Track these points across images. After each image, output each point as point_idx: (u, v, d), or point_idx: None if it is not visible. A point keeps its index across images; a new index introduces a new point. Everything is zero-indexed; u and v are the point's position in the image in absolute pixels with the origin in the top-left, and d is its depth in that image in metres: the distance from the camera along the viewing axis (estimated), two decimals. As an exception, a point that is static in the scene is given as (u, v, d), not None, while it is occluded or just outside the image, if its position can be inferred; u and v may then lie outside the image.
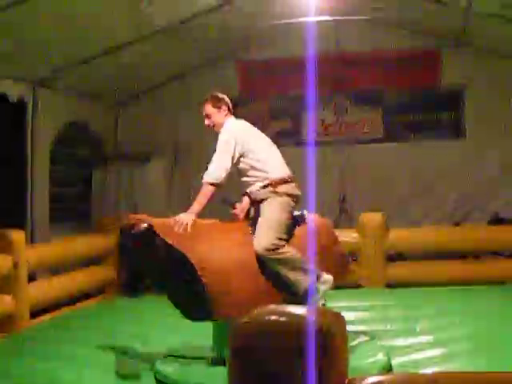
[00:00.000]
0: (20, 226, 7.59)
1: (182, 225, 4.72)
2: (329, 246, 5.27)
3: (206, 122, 5.23)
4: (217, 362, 4.87)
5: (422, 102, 9.71)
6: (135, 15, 7.42)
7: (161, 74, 9.93)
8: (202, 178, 4.98)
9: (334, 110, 9.91)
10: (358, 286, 7.92)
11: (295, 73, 9.10)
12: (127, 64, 8.65)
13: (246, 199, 5.18)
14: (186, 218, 4.79)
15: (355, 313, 6.44)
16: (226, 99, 5.27)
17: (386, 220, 8.12)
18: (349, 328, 2.82)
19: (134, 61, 8.65)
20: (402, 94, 9.78)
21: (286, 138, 9.44)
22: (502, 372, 2.56)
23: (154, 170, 9.89)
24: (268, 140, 5.30)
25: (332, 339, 2.36)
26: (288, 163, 5.21)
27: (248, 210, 5.18)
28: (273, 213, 4.89)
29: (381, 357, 4.88)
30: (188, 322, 4.97)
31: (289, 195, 5.02)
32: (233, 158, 4.98)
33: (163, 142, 10.04)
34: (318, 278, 4.90)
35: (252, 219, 5.05)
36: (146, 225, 4.56)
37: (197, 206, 4.88)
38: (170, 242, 4.60)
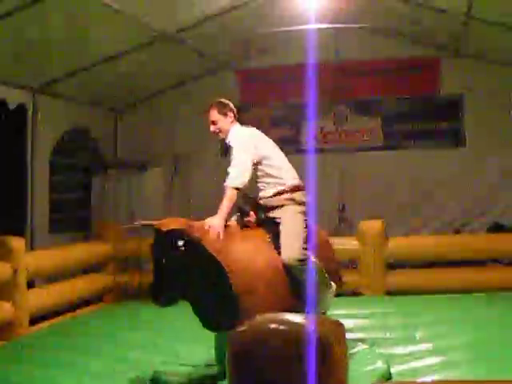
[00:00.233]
0: (20, 232, 7.60)
1: (215, 231, 4.69)
2: (329, 257, 5.30)
3: (212, 128, 5.20)
4: (218, 370, 4.87)
5: (422, 111, 9.71)
6: (134, 24, 7.44)
7: (160, 82, 9.93)
8: (224, 182, 4.93)
9: (333, 118, 9.91)
10: (358, 294, 7.92)
11: (295, 81, 9.12)
12: (126, 72, 8.67)
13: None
14: (217, 223, 4.72)
15: (355, 320, 6.43)
16: (232, 105, 5.26)
17: (385, 228, 8.12)
18: (348, 336, 2.83)
19: (134, 69, 8.67)
20: (402, 103, 9.78)
21: (286, 145, 9.42)
22: (502, 380, 2.56)
23: (152, 177, 9.89)
24: (277, 147, 5.30)
25: (331, 347, 2.37)
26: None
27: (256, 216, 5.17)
28: (296, 223, 4.91)
29: (380, 365, 4.87)
30: (189, 329, 4.96)
31: (303, 203, 5.04)
32: (252, 161, 4.97)
33: (163, 150, 10.03)
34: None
35: (263, 225, 5.05)
36: (179, 226, 4.53)
37: (224, 210, 4.83)
38: (204, 244, 4.56)
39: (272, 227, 4.98)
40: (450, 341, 5.76)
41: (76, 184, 9.81)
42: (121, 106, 10.27)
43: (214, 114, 5.18)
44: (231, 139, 5.12)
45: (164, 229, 4.50)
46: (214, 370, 4.94)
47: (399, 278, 8.19)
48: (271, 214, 5.04)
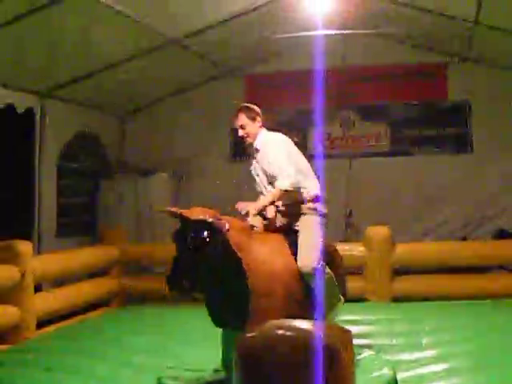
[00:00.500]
0: (27, 236, 7.62)
1: (244, 207, 4.79)
2: (338, 268, 5.33)
3: (240, 132, 5.21)
4: (225, 375, 4.86)
5: (429, 116, 9.70)
6: (140, 30, 7.46)
7: (166, 87, 9.95)
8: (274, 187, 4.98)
9: (340, 123, 9.92)
10: (364, 300, 7.90)
11: (302, 86, 9.13)
12: (134, 78, 8.69)
13: (271, 211, 5.14)
14: (250, 206, 4.83)
15: (361, 327, 6.40)
16: (259, 110, 5.27)
17: (392, 234, 8.11)
18: (354, 342, 2.82)
19: (140, 74, 8.69)
20: (409, 109, 9.77)
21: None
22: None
23: (158, 183, 9.89)
24: (302, 153, 5.31)
25: (339, 354, 2.37)
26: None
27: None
28: (314, 233, 4.92)
29: (386, 371, 4.85)
30: (195, 333, 4.95)
31: (323, 215, 5.06)
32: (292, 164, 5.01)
33: (169, 155, 10.04)
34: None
35: (282, 230, 5.05)
36: (207, 217, 4.49)
37: (263, 202, 4.93)
38: (228, 239, 4.54)
39: (290, 234, 4.98)
40: (456, 347, 5.75)
41: (83, 188, 9.83)
42: (127, 111, 10.29)
43: (243, 119, 5.19)
44: (262, 144, 5.16)
45: (192, 218, 4.49)
46: (221, 375, 4.93)
47: (405, 285, 8.17)
48: (291, 221, 5.05)
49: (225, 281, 4.57)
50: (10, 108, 7.59)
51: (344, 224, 9.41)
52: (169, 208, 4.74)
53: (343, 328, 2.65)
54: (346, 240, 8.73)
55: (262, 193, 5.19)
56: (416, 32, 8.95)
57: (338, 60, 9.41)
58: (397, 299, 7.96)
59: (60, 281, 8.09)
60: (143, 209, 9.62)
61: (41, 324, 7.11)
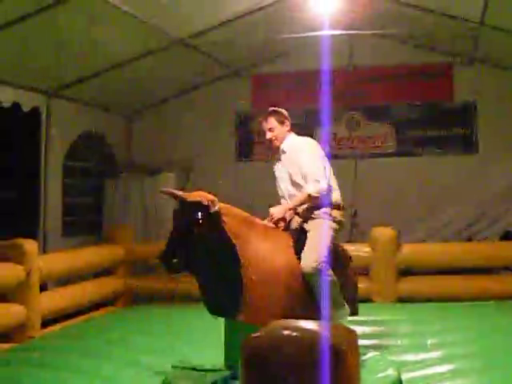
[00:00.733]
0: (33, 235, 7.64)
1: (273, 215, 4.93)
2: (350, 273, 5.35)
3: (269, 135, 5.25)
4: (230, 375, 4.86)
5: (434, 117, 9.69)
6: (146, 30, 7.47)
7: (173, 87, 9.96)
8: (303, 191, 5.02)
9: (346, 124, 9.92)
10: (370, 301, 7.89)
11: (308, 87, 9.14)
12: (140, 77, 8.71)
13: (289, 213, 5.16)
14: (277, 211, 4.98)
15: (366, 327, 6.40)
16: (287, 114, 5.30)
17: (397, 234, 8.10)
18: (359, 342, 2.82)
19: (146, 74, 8.71)
20: (414, 109, 9.77)
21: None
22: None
23: (165, 182, 9.89)
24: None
25: (344, 354, 2.37)
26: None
27: (289, 221, 5.17)
28: (323, 235, 4.91)
29: (391, 372, 4.84)
30: (201, 333, 4.93)
31: (339, 222, 5.07)
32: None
33: (178, 154, 10.05)
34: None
35: (293, 231, 5.06)
36: (203, 199, 4.57)
37: (289, 204, 5.04)
38: (224, 225, 4.61)
39: (300, 236, 4.98)
40: (461, 348, 5.74)
41: (89, 188, 9.85)
42: (134, 110, 10.31)
43: (272, 122, 5.24)
44: (289, 147, 5.19)
45: (188, 199, 4.57)
46: (226, 374, 4.94)
47: (410, 285, 8.16)
48: (304, 224, 5.05)
49: (221, 266, 4.62)
50: (17, 107, 7.62)
51: (349, 224, 9.40)
52: (169, 189, 4.91)
53: (349, 328, 2.65)
54: (351, 240, 8.72)
55: (283, 196, 5.26)
56: (422, 32, 8.94)
57: (344, 61, 9.43)
58: (402, 300, 7.95)
59: (65, 280, 8.11)
60: (149, 208, 9.63)
61: (46, 323, 7.13)
